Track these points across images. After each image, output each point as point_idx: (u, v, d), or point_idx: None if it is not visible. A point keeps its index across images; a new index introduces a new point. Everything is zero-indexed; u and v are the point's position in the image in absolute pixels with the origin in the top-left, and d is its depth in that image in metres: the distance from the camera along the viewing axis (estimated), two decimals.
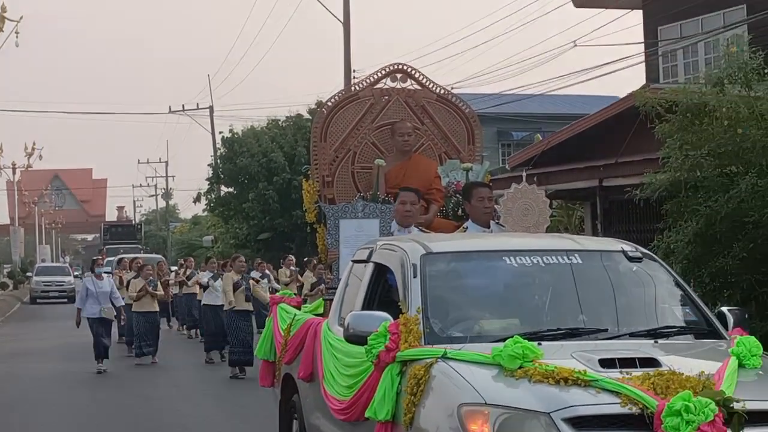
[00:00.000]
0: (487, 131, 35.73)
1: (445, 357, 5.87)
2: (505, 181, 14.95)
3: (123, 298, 20.38)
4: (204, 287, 21.52)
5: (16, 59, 72.68)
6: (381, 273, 7.28)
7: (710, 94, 11.31)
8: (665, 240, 11.11)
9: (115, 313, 18.97)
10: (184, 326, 27.10)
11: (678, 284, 6.97)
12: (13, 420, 13.24)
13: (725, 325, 6.69)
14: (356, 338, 6.52)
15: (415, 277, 6.63)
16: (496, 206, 8.96)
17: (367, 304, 7.21)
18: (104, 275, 19.26)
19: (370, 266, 7.44)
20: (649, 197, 11.86)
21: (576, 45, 24.73)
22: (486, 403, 5.40)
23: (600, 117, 19.87)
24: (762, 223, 10.69)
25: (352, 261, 7.96)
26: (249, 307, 18.27)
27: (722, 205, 10.82)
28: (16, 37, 34.79)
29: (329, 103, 10.12)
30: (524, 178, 8.88)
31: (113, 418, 13.50)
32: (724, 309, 6.87)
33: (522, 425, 5.31)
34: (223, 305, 19.39)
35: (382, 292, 7.25)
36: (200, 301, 22.92)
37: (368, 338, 6.34)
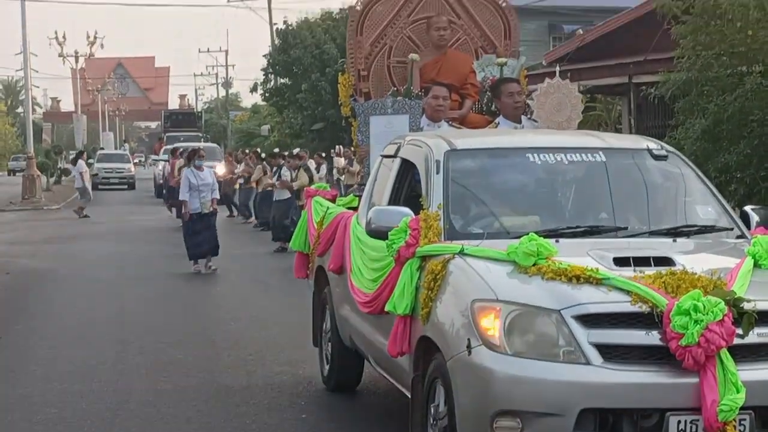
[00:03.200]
0: (539, 24, 35.26)
1: (462, 253, 5.93)
2: (542, 76, 15.06)
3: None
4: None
5: None
6: (407, 168, 7.32)
7: None
8: (676, 137, 11.40)
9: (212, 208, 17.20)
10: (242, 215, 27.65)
11: (703, 183, 6.93)
12: (64, 299, 14.36)
13: (748, 225, 6.67)
14: (378, 233, 6.60)
15: (437, 173, 6.66)
16: (529, 101, 8.93)
17: (393, 200, 7.29)
18: (204, 167, 17.41)
19: (397, 161, 7.49)
20: (663, 95, 12.33)
21: None
22: (498, 300, 5.46)
23: (635, 14, 19.92)
24: (766, 121, 11.23)
25: (381, 156, 8.02)
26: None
27: (729, 104, 11.33)
28: None
29: None
30: (557, 74, 8.83)
31: (159, 303, 14.04)
32: (748, 208, 6.85)
33: (532, 322, 5.38)
34: (290, 197, 19.95)
35: (408, 187, 7.31)
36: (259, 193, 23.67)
37: (389, 233, 6.42)
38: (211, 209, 16.96)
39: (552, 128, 8.55)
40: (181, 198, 17.16)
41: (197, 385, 8.88)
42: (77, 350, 10.42)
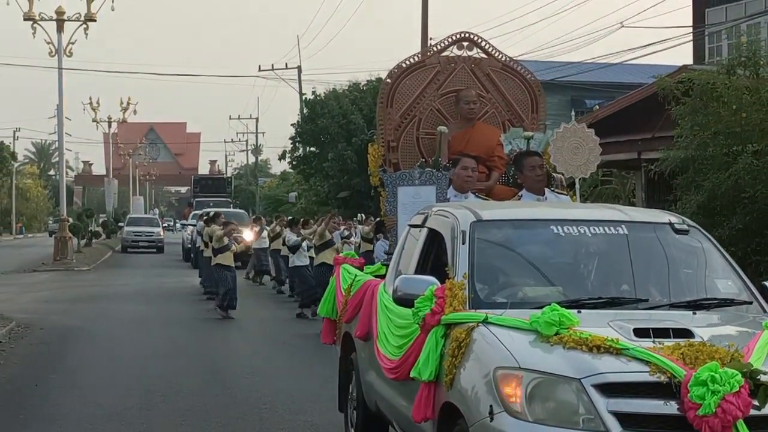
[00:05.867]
0: (562, 99, 35.61)
1: (486, 322, 6.08)
2: None
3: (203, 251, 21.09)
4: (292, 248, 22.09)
5: (112, 23, 74.00)
6: (434, 238, 7.49)
7: (720, 80, 12.56)
8: (675, 211, 12.03)
9: None
10: (255, 278, 27.83)
11: (723, 257, 7.07)
12: (94, 352, 15.14)
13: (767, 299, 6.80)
14: (404, 301, 6.77)
15: (463, 243, 6.83)
16: (555, 174, 9.11)
17: (420, 268, 7.46)
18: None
19: (424, 231, 7.68)
20: (664, 171, 13.14)
21: (623, 26, 25.68)
22: (520, 368, 5.60)
23: (646, 92, 20.50)
24: (756, 198, 11.98)
25: (409, 225, 8.21)
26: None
27: (723, 181, 12.13)
28: (112, 1, 35.96)
29: (396, 70, 10.31)
30: (573, 118, 8.99)
31: (182, 357, 14.72)
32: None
33: (553, 390, 5.51)
34: (308, 265, 20.13)
35: (435, 256, 7.47)
36: (286, 257, 23.68)
37: (415, 301, 6.59)
38: None
39: (570, 171, 8.69)
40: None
41: (214, 429, 9.66)
42: (106, 397, 11.20)
